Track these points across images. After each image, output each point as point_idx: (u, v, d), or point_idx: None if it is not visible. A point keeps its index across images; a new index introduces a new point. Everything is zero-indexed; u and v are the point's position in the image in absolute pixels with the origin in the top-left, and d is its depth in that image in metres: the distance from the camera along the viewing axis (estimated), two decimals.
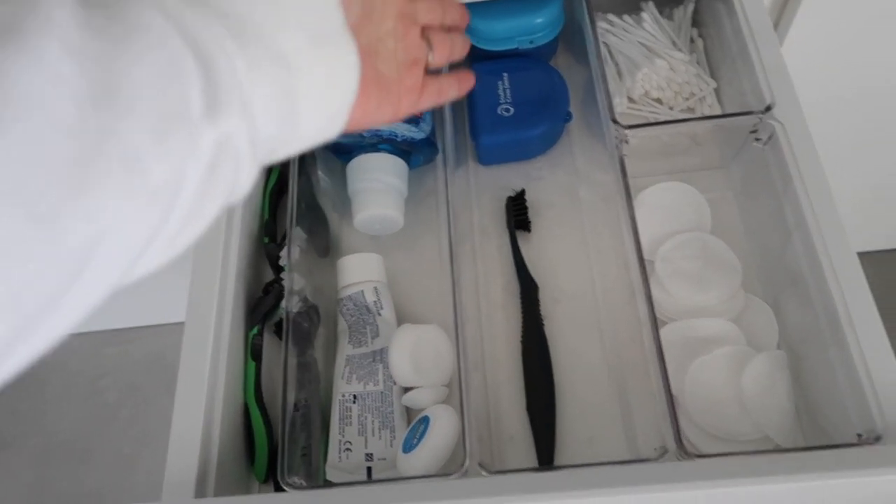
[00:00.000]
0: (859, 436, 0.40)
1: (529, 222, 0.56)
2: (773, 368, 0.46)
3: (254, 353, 0.51)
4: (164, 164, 0.20)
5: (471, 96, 0.58)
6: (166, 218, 0.21)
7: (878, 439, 0.39)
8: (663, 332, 0.50)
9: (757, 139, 0.51)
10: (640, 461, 0.42)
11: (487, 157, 0.59)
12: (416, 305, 0.55)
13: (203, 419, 0.45)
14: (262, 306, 0.52)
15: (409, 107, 0.35)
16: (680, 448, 0.40)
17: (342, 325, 0.53)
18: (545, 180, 0.59)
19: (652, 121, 0.59)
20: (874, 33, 0.60)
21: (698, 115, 0.58)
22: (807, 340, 0.47)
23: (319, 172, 0.57)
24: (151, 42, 0.20)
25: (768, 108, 0.49)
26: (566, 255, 0.56)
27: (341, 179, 0.57)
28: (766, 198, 0.51)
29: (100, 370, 1.30)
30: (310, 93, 0.25)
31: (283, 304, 0.49)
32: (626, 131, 0.50)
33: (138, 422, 1.26)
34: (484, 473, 0.41)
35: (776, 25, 0.58)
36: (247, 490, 0.50)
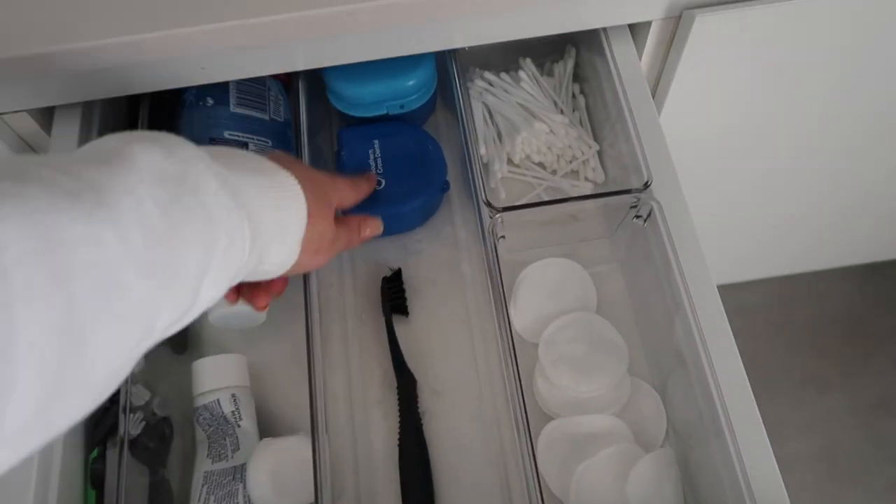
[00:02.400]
0: None
1: (407, 306, 0.52)
2: (659, 469, 0.44)
3: (94, 480, 0.45)
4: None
5: (339, 165, 0.53)
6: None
7: None
8: (547, 429, 0.47)
9: (637, 216, 0.48)
10: None
11: None
12: (284, 406, 0.50)
13: None
14: (103, 423, 0.46)
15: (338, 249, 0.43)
16: None
17: (200, 435, 0.48)
18: (425, 254, 0.55)
19: (535, 185, 0.56)
20: (746, 100, 0.59)
21: (581, 178, 0.56)
22: (692, 431, 0.45)
23: None
24: (200, 227, 0.28)
25: (646, 185, 0.46)
26: (447, 340, 0.52)
27: None
28: (649, 273, 0.49)
29: None
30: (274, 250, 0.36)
31: (120, 426, 0.43)
32: (499, 214, 0.46)
33: None
34: None
35: (653, 91, 0.56)
36: None
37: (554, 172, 0.56)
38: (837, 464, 1.12)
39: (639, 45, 0.53)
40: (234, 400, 0.47)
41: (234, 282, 0.32)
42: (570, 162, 0.56)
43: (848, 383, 1.17)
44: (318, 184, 0.39)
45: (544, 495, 0.45)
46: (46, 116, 0.52)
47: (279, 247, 0.35)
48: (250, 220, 0.31)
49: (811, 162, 0.73)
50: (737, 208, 0.80)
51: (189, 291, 0.28)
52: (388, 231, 0.54)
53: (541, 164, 0.56)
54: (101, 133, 0.52)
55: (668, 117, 0.57)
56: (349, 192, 0.44)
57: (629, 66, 0.51)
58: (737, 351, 0.43)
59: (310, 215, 0.37)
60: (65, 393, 0.23)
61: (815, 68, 0.57)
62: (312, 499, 0.45)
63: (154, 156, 0.28)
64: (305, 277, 0.47)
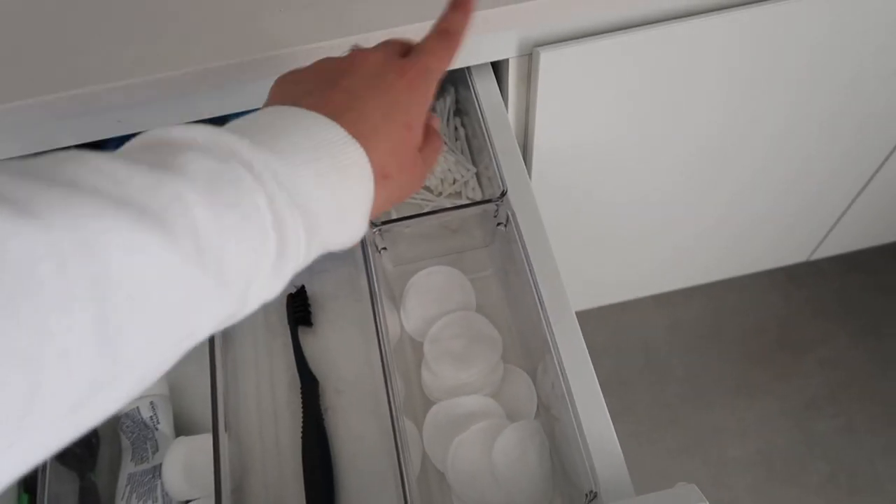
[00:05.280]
0: (586, 494, 0.44)
1: (311, 317, 0.59)
2: (523, 438, 0.50)
3: (26, 484, 0.50)
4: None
5: None
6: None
7: (595, 497, 0.43)
8: (430, 413, 0.53)
9: (499, 223, 0.55)
10: None
11: None
12: (202, 411, 0.56)
13: None
14: None
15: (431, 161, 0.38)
16: None
17: (125, 441, 0.53)
18: (328, 273, 0.62)
19: (424, 206, 0.63)
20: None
21: (464, 198, 0.63)
22: (552, 406, 0.51)
23: None
24: (252, 232, 0.27)
25: (503, 195, 0.54)
26: (347, 346, 0.58)
27: None
28: (516, 274, 0.56)
29: None
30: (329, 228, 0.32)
31: None
32: (376, 228, 0.53)
33: None
34: None
35: (526, 116, 0.65)
36: None
37: (440, 194, 0.63)
38: (773, 465, 1.17)
39: (504, 79, 0.62)
40: (153, 406, 0.53)
41: (292, 275, 0.31)
42: (453, 184, 0.63)
43: (779, 387, 1.23)
44: (393, 114, 0.34)
45: (430, 471, 0.52)
46: None
47: (342, 227, 0.33)
48: (306, 219, 0.29)
49: (691, 174, 0.82)
50: (636, 220, 0.88)
51: (236, 296, 0.28)
52: None
53: (427, 188, 0.64)
54: None
55: (541, 139, 0.66)
56: (438, 56, 0.36)
57: (490, 97, 0.60)
58: (581, 336, 0.49)
59: (384, 176, 0.33)
60: (97, 397, 0.23)
61: (656, 90, 0.66)
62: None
63: (204, 160, 0.27)
64: None
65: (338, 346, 0.58)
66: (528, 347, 0.56)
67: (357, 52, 0.36)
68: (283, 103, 0.32)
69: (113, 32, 0.52)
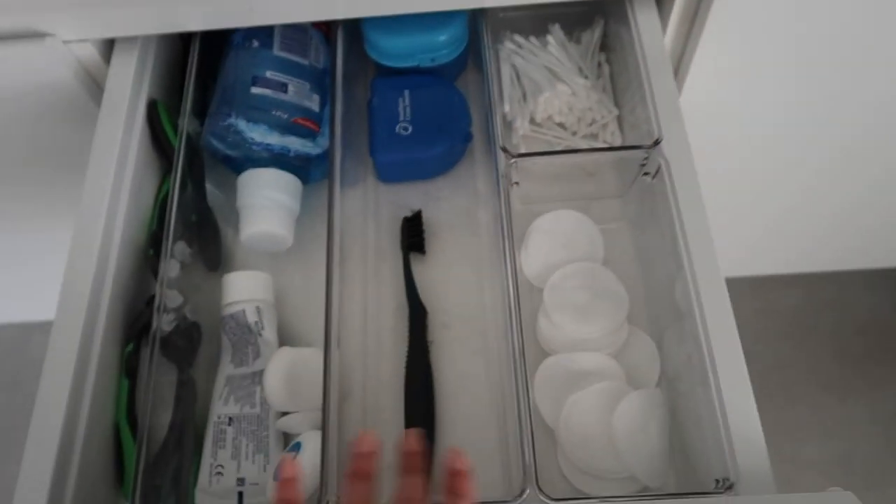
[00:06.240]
0: (717, 482, 0.40)
1: (424, 244, 0.56)
2: (645, 407, 0.46)
3: (128, 370, 0.50)
4: None
5: (370, 112, 0.57)
6: None
7: (730, 487, 0.39)
8: (545, 364, 0.50)
9: (646, 173, 0.50)
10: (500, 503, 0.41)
11: (386, 175, 0.58)
12: (303, 325, 0.54)
13: (60, 435, 0.43)
14: (139, 321, 0.51)
15: None
16: (537, 490, 0.40)
17: (225, 343, 0.52)
18: (445, 200, 0.58)
19: (555, 145, 0.59)
20: (770, 75, 0.60)
21: (601, 141, 0.58)
22: (682, 378, 0.47)
23: (208, 185, 0.55)
24: None
25: (656, 143, 0.49)
26: (459, 280, 0.55)
27: (235, 192, 0.55)
28: (655, 231, 0.51)
29: None
30: None
31: (154, 321, 0.48)
32: (514, 160, 0.49)
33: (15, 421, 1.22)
34: None
35: (679, 58, 0.58)
36: None
37: (574, 134, 0.59)
38: (854, 470, 1.11)
39: (664, 14, 0.56)
40: (258, 311, 0.51)
41: None
42: (590, 125, 0.58)
43: (871, 393, 1.16)
44: None
45: (536, 425, 0.48)
46: (107, 49, 0.57)
47: None
48: None
49: (854, 148, 0.73)
50: (765, 192, 0.81)
51: None
52: (413, 176, 0.59)
53: (561, 125, 0.59)
54: (157, 70, 0.57)
55: (688, 90, 0.59)
56: None
57: (651, 33, 0.54)
58: (730, 307, 0.45)
59: None
60: None
61: (837, 54, 0.58)
62: (320, 405, 0.49)
63: None
64: (330, 212, 0.50)
65: (448, 279, 0.55)
66: (655, 311, 0.52)
67: None
68: None
69: None
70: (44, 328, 1.26)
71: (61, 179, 0.70)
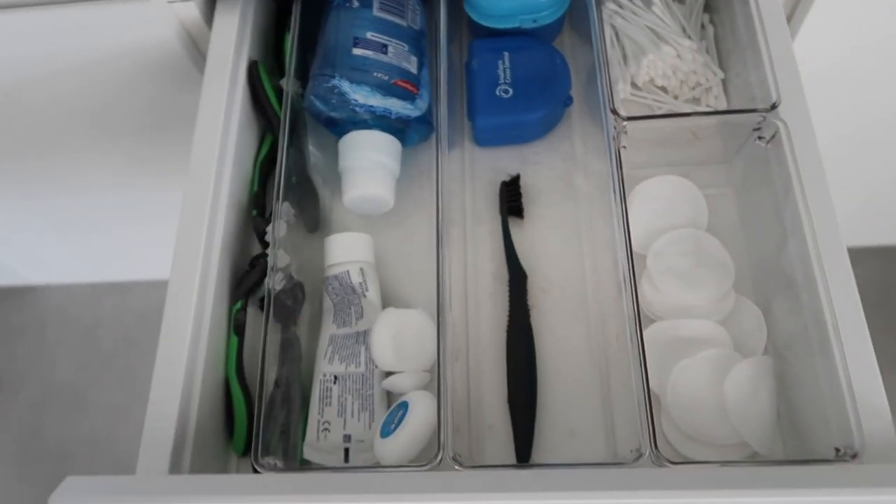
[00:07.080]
0: (837, 450, 0.40)
1: (523, 209, 0.55)
2: (756, 375, 0.46)
3: (236, 327, 0.51)
4: None
5: (469, 74, 0.57)
6: None
7: (854, 456, 0.39)
8: (650, 330, 0.49)
9: (760, 137, 0.49)
10: (615, 465, 0.41)
11: (483, 139, 0.57)
12: (403, 287, 0.55)
13: (181, 392, 0.44)
14: (246, 281, 0.52)
15: None
16: (655, 453, 0.40)
17: (327, 303, 0.53)
18: (542, 165, 0.58)
19: (655, 109, 0.57)
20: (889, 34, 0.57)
21: (703, 105, 0.57)
22: (794, 347, 0.47)
23: (310, 147, 0.56)
24: None
25: (773, 107, 0.47)
26: (558, 245, 0.55)
27: (334, 154, 0.55)
28: (765, 197, 0.50)
29: (97, 319, 1.31)
30: None
31: (267, 280, 0.49)
32: (625, 123, 0.48)
33: (133, 373, 1.28)
34: (457, 468, 0.41)
35: (789, 18, 0.56)
36: (224, 463, 0.50)
37: (676, 98, 0.57)
38: None
39: None
40: (362, 273, 0.51)
41: None
42: (693, 88, 0.57)
43: None
44: None
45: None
46: (209, 9, 0.57)
47: None
48: None
49: None
50: (865, 158, 0.78)
51: None
52: (510, 140, 0.58)
53: (663, 89, 0.58)
54: (255, 30, 0.57)
55: (803, 46, 0.57)
56: None
57: None
58: (853, 276, 0.44)
59: None
60: None
61: None
62: (425, 366, 0.50)
63: None
64: (437, 175, 0.50)
65: (546, 244, 0.55)
66: (761, 279, 0.51)
67: None
68: None
69: None
70: (118, 286, 1.31)
71: (155, 140, 0.72)
